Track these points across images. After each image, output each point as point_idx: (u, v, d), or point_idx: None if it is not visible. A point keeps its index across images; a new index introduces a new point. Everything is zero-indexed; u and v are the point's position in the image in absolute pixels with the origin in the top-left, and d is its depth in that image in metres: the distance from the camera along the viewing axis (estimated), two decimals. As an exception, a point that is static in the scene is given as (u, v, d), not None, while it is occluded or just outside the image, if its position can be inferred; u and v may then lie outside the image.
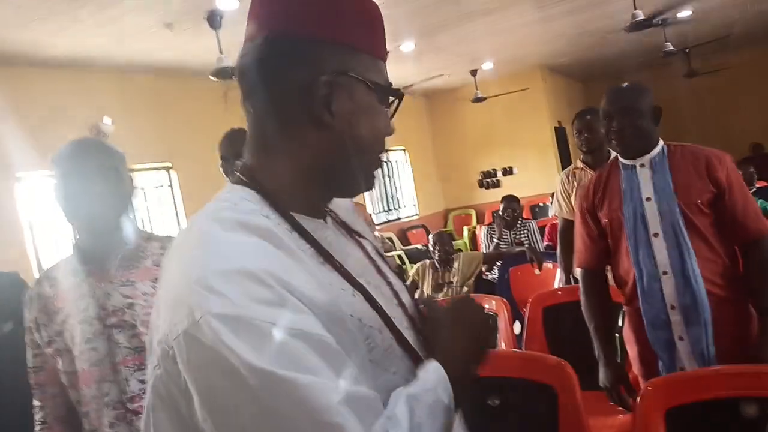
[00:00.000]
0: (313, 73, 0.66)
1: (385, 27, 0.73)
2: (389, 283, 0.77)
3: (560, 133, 9.17)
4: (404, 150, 9.36)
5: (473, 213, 9.48)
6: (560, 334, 2.43)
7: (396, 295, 0.77)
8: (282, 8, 0.68)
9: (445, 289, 3.60)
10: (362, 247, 0.79)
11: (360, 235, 0.81)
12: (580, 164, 3.02)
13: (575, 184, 2.97)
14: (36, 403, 1.32)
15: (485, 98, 8.21)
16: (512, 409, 1.44)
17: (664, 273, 1.66)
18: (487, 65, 7.95)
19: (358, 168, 0.70)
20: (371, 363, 0.64)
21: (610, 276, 1.95)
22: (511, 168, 9.34)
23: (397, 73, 6.76)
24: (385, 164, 9.09)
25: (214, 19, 3.96)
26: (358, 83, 0.68)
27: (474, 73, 8.14)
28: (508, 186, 8.83)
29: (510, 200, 4.56)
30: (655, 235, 1.67)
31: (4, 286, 1.80)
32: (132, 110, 5.08)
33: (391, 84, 0.73)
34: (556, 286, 3.20)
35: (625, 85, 1.77)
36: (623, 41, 7.29)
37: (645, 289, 1.70)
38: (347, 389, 0.55)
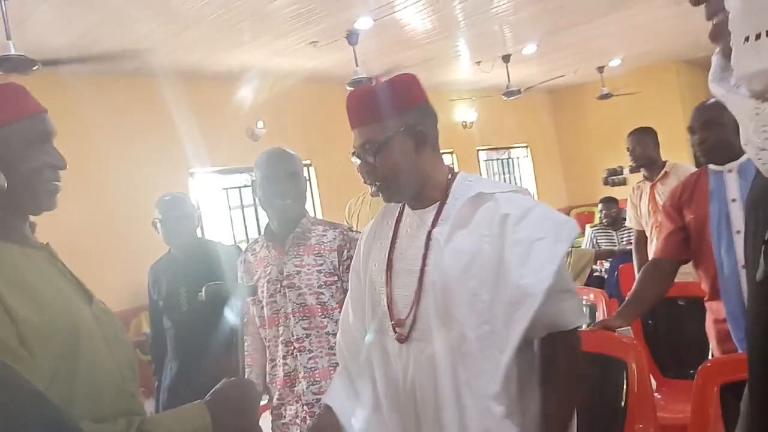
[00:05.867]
0: None
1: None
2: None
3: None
4: (526, 147, 9.44)
5: (596, 211, 9.30)
6: (656, 330, 2.63)
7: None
8: None
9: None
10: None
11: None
12: (641, 177, 3.26)
13: (639, 196, 3.20)
14: (246, 336, 1.86)
15: (612, 95, 8.03)
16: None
17: (743, 267, 1.79)
18: (615, 62, 7.80)
19: None
20: None
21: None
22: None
23: (518, 74, 6.90)
24: (505, 161, 9.26)
25: (351, 37, 4.53)
26: None
27: (601, 69, 8.02)
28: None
29: (606, 201, 4.61)
30: (738, 232, 1.82)
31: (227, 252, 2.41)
32: (280, 115, 5.86)
33: None
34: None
35: (709, 101, 1.94)
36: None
37: (725, 282, 1.86)
38: None
